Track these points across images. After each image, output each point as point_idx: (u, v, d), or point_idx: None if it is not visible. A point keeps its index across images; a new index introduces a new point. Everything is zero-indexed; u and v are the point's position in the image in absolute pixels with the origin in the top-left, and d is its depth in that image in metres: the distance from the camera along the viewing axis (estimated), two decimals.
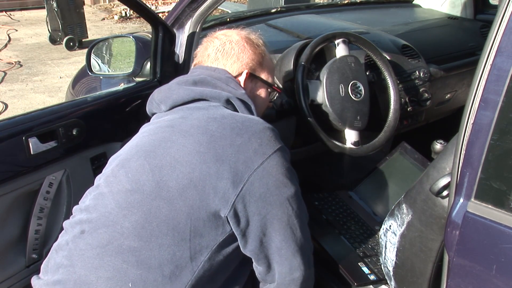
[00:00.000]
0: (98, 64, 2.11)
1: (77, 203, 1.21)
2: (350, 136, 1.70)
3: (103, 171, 1.21)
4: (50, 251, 1.18)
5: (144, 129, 1.25)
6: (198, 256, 1.07)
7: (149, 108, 1.33)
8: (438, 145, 1.35)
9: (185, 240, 1.06)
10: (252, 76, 1.32)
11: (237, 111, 1.21)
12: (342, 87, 1.68)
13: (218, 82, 1.23)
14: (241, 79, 1.29)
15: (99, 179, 1.20)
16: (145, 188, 1.08)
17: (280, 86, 1.72)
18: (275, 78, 1.75)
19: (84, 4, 7.12)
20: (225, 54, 1.30)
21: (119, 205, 1.09)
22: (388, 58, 1.90)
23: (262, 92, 1.36)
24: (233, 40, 1.31)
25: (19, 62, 6.08)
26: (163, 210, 1.06)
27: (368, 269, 1.46)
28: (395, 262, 1.22)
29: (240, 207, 1.07)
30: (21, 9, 9.00)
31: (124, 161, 1.15)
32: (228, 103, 1.21)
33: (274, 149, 1.10)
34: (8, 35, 7.40)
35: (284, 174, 1.11)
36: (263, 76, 1.35)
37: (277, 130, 1.17)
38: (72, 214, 1.20)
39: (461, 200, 0.98)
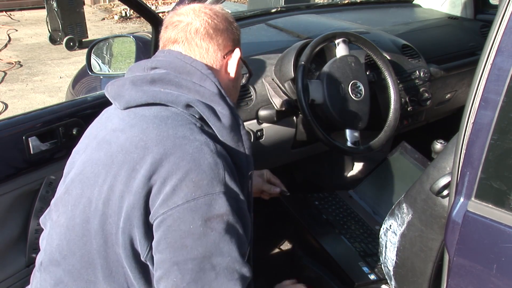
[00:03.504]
0: (98, 64, 2.11)
1: None
2: (350, 136, 1.70)
3: (65, 170, 1.15)
4: (36, 263, 1.16)
5: (100, 123, 1.14)
6: None
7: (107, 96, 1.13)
8: (438, 145, 1.34)
9: (123, 286, 1.00)
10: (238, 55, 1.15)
11: (202, 116, 1.02)
12: (342, 87, 1.68)
13: (184, 81, 1.03)
14: (232, 61, 1.13)
15: (60, 185, 1.14)
16: (77, 230, 1.01)
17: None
18: (275, 77, 1.75)
19: (84, 4, 7.12)
20: (216, 29, 1.10)
21: (61, 244, 1.04)
22: (388, 58, 1.90)
23: (240, 73, 1.19)
24: (218, 14, 1.12)
25: (19, 62, 6.08)
26: (94, 257, 0.99)
27: (369, 268, 1.46)
28: (395, 262, 1.22)
29: (152, 251, 0.96)
30: (21, 9, 8.99)
31: (71, 183, 1.06)
32: (189, 108, 1.01)
33: (186, 200, 0.91)
34: (8, 35, 7.39)
35: (187, 232, 0.91)
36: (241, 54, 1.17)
37: (227, 160, 0.99)
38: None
39: (462, 199, 0.98)
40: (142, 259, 0.97)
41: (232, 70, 1.14)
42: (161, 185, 0.92)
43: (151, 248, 0.96)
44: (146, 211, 0.94)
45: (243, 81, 1.39)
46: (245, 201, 1.01)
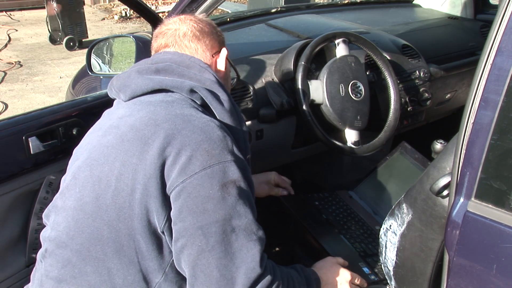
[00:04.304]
0: (99, 64, 2.11)
1: None
2: (350, 136, 1.70)
3: (68, 166, 1.17)
4: (37, 257, 1.16)
5: (103, 120, 1.18)
6: (152, 278, 1.01)
7: (109, 94, 1.21)
8: (438, 145, 1.34)
9: (133, 263, 1.00)
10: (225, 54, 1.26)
11: (205, 101, 1.10)
12: (342, 87, 1.68)
13: (186, 71, 1.11)
14: (220, 60, 1.24)
15: (63, 181, 1.15)
16: (87, 208, 1.03)
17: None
18: (275, 77, 1.75)
19: (84, 4, 7.12)
20: (202, 32, 1.21)
21: (68, 225, 1.05)
22: (388, 58, 1.90)
23: (229, 71, 1.30)
24: (202, 20, 1.25)
25: (19, 62, 6.08)
26: (104, 233, 1.00)
27: (369, 268, 1.46)
28: (395, 262, 1.22)
29: (172, 222, 0.99)
30: (21, 9, 9.00)
31: (77, 170, 1.09)
32: (193, 93, 1.09)
33: (202, 167, 0.97)
34: (8, 35, 7.40)
35: (207, 197, 0.96)
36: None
37: (231, 136, 1.05)
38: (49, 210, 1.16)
39: (461, 199, 0.98)
40: (159, 230, 1.00)
41: (221, 67, 1.25)
42: (176, 155, 0.97)
43: (168, 219, 0.99)
44: (162, 182, 0.98)
45: (233, 83, 1.43)
46: (250, 171, 1.09)
